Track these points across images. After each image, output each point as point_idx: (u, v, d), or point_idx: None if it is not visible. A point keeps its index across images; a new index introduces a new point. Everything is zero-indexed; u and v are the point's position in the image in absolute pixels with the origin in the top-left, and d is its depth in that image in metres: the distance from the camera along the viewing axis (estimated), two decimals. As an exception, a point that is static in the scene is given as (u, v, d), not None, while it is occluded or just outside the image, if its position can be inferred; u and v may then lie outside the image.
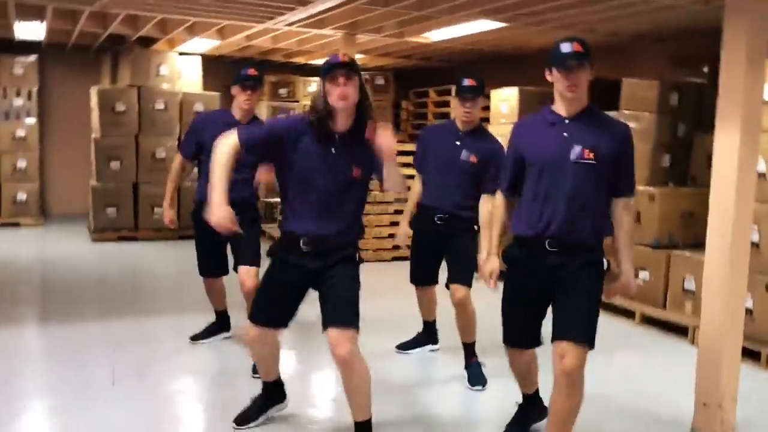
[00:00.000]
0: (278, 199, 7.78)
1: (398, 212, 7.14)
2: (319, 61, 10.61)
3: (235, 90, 4.35)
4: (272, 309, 3.24)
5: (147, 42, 8.97)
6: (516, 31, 7.00)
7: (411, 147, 6.40)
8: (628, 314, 5.79)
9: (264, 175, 4.23)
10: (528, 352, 3.28)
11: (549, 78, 3.00)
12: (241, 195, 3.93)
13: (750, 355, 4.71)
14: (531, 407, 3.51)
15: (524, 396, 3.51)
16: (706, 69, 6.36)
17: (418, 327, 4.81)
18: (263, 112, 9.75)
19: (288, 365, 4.71)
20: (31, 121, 9.57)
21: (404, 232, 4.53)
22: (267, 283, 3.29)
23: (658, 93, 6.02)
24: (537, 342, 3.21)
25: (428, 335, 4.82)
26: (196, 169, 4.71)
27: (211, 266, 4.69)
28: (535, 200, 3.02)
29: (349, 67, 3.01)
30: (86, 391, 3.95)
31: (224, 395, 3.98)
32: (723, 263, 3.51)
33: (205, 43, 8.86)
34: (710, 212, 3.58)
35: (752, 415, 3.89)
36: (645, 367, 4.79)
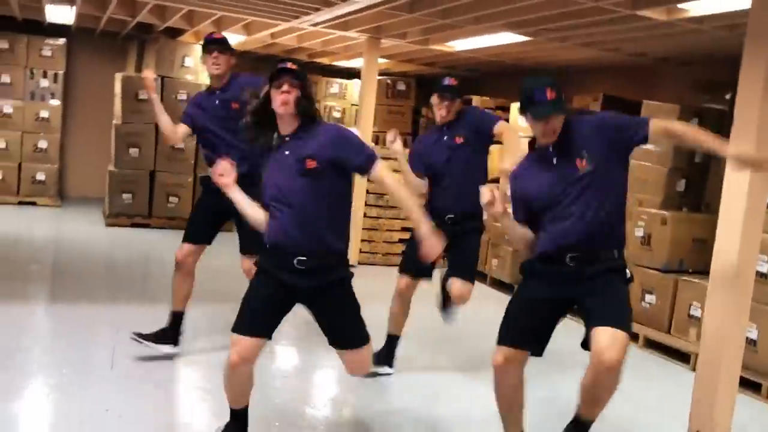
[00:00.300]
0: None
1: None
2: (344, 63, 10.75)
3: (202, 58, 4.61)
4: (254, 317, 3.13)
5: (174, 33, 9.06)
6: (539, 46, 6.99)
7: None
8: (632, 337, 5.73)
9: None
10: (519, 369, 3.04)
11: (523, 120, 3.02)
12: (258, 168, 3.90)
13: (752, 386, 4.67)
14: None
15: None
16: (728, 96, 6.32)
17: (424, 333, 4.73)
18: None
19: (287, 363, 4.74)
20: (56, 103, 9.69)
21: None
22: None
23: (678, 117, 5.98)
24: (537, 349, 3.06)
25: (388, 354, 4.38)
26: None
27: (200, 230, 4.35)
28: (552, 223, 3.00)
29: (293, 74, 2.95)
30: (86, 371, 4.02)
31: (220, 384, 4.00)
32: (725, 291, 3.49)
33: (230, 39, 8.83)
34: (717, 239, 3.57)
35: (747, 446, 3.87)
36: (644, 390, 4.76)
